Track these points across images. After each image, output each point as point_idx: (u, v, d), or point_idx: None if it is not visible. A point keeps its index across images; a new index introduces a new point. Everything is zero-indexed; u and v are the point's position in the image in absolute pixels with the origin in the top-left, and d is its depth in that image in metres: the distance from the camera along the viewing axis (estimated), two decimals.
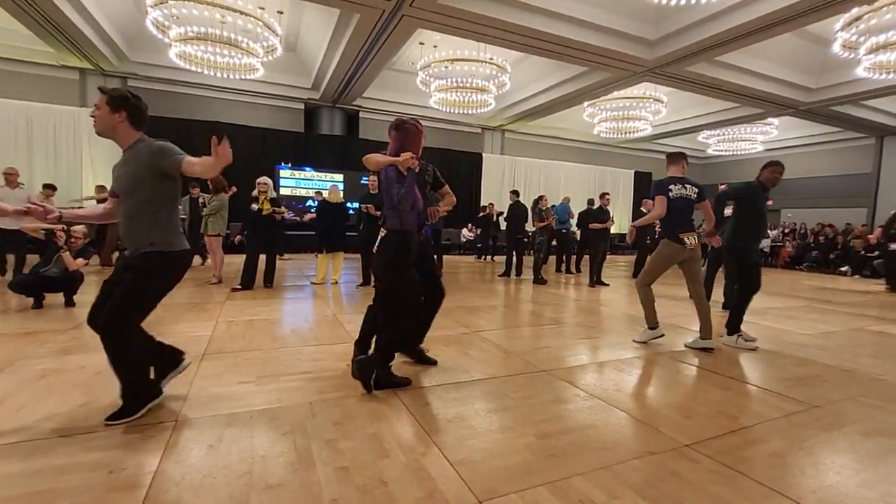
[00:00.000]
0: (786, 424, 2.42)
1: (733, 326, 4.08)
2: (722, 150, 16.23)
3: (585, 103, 12.40)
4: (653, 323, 4.01)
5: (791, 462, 2.02)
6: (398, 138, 2.84)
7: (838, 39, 7.59)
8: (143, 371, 2.29)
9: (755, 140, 15.26)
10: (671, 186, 3.90)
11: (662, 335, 4.04)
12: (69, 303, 4.69)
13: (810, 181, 16.38)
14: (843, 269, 12.09)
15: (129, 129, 2.21)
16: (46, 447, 1.93)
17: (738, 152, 16.09)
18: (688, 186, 3.94)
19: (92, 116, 2.22)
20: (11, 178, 6.32)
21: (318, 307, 5.20)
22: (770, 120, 13.87)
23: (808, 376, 3.27)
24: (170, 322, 4.14)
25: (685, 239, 3.84)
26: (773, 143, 16.27)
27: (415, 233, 2.82)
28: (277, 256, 6.25)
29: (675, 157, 4.06)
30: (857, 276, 11.50)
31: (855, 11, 6.89)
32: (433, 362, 3.19)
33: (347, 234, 7.08)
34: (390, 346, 2.76)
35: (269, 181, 6.34)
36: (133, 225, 2.19)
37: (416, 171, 2.74)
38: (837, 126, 13.99)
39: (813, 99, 11.32)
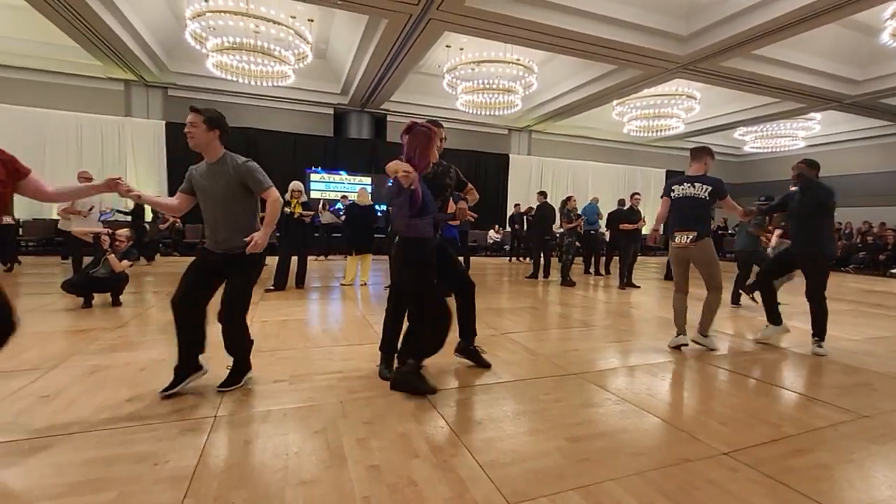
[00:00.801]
0: (833, 435, 2.30)
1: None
2: (759, 148, 15.59)
3: (614, 102, 12.16)
4: (680, 329, 3.91)
5: (839, 475, 1.92)
6: (410, 142, 2.78)
7: (888, 28, 7.17)
8: (248, 351, 2.76)
9: (796, 136, 14.57)
10: (675, 187, 3.92)
11: (685, 344, 3.87)
12: (115, 302, 4.95)
13: (856, 178, 15.52)
14: (894, 270, 11.40)
15: (219, 146, 2.61)
16: (98, 438, 2.04)
17: (777, 149, 15.41)
18: (697, 185, 3.81)
19: (188, 133, 2.53)
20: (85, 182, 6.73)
21: (348, 308, 5.30)
22: (812, 115, 13.22)
23: (856, 384, 3.10)
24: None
25: (676, 237, 3.84)
26: (815, 138, 15.50)
27: (427, 238, 2.74)
28: (321, 257, 6.42)
29: (697, 154, 3.92)
30: None
31: None
32: (486, 365, 3.16)
33: (376, 235, 7.18)
34: (419, 351, 2.74)
35: (301, 186, 6.50)
36: (232, 229, 2.59)
37: (409, 186, 2.59)
38: (886, 119, 13.20)
39: (859, 92, 10.73)
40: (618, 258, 8.34)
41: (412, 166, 2.65)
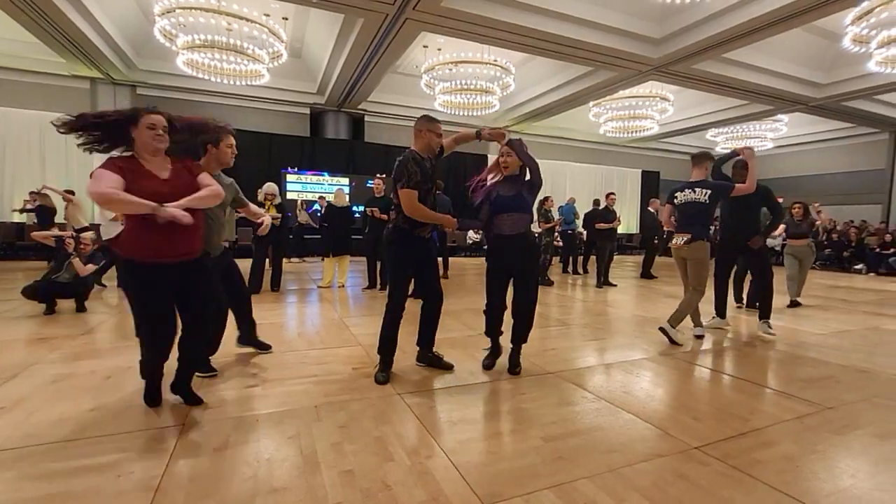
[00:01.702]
0: (798, 427, 2.37)
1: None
2: (731, 148, 16.03)
3: (591, 103, 12.34)
4: (696, 322, 4.23)
5: (804, 465, 1.98)
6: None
7: (849, 34, 7.48)
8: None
9: (765, 137, 15.07)
10: (677, 194, 4.16)
11: (701, 336, 4.19)
12: (80, 308, 4.76)
13: (822, 178, 16.16)
14: (858, 266, 11.89)
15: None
16: (57, 451, 1.95)
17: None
18: (697, 190, 4.02)
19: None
20: None
21: (325, 311, 5.22)
22: (780, 117, 13.69)
23: (821, 377, 3.20)
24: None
25: (674, 239, 4.13)
26: (782, 140, 16.06)
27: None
28: (298, 260, 6.25)
29: (698, 159, 4.15)
30: (872, 274, 11.30)
31: (866, 5, 6.79)
32: (449, 367, 3.16)
33: (353, 237, 7.10)
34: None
35: (275, 186, 6.36)
36: (217, 232, 2.76)
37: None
38: (849, 122, 13.77)
39: (823, 94, 11.16)
40: (595, 257, 8.47)
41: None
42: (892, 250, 11.43)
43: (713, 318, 4.65)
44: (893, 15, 6.73)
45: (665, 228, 4.43)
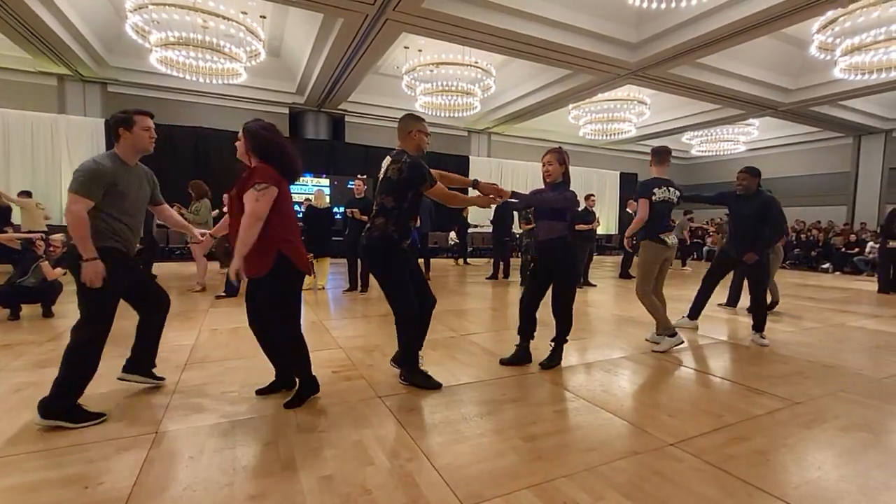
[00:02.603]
0: (769, 422, 2.45)
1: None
2: (705, 151, 16.49)
3: (570, 105, 12.50)
4: (669, 331, 3.84)
5: (774, 459, 2.04)
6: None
7: (815, 42, 7.76)
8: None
9: (737, 140, 15.53)
10: (655, 189, 3.89)
11: (682, 342, 3.90)
12: (47, 314, 4.58)
13: (791, 180, 16.72)
14: (825, 266, 12.35)
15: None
16: (21, 462, 1.87)
17: (721, 153, 16.36)
18: (671, 189, 3.93)
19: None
20: None
21: (304, 313, 5.15)
22: (751, 121, 14.13)
23: (790, 373, 3.31)
24: None
25: (666, 239, 3.88)
26: (754, 143, 16.58)
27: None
28: None
29: (663, 156, 4.02)
30: (838, 273, 11.75)
31: (830, 14, 7.06)
32: (437, 386, 2.90)
33: (333, 238, 7.02)
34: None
35: None
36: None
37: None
38: (816, 126, 14.30)
39: (792, 100, 11.57)
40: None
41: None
42: (856, 250, 11.90)
43: (683, 317, 4.73)
44: (856, 24, 7.01)
45: (637, 227, 4.21)
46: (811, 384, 3.08)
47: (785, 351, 3.93)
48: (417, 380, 2.83)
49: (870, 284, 9.24)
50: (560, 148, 3.26)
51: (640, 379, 3.17)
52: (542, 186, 3.37)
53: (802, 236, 13.54)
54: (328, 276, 7.17)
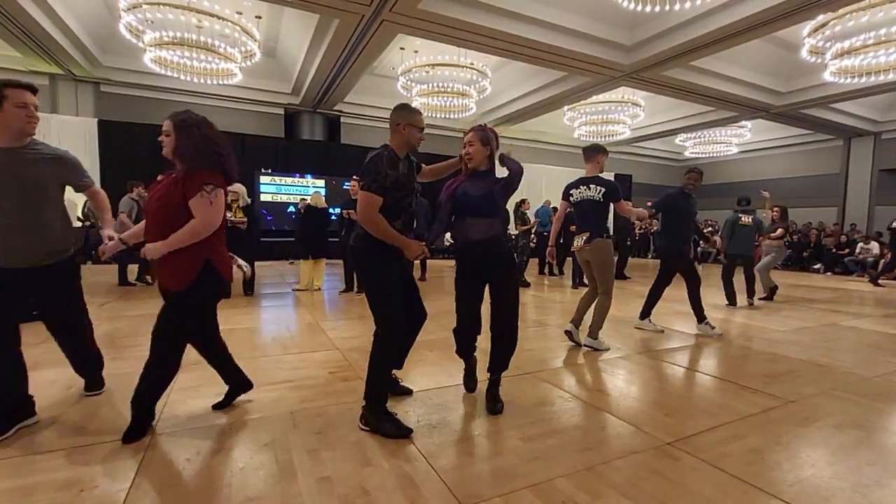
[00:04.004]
0: (763, 420, 2.47)
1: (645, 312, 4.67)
2: (699, 153, 16.62)
3: (565, 107, 12.56)
4: (575, 321, 4.00)
5: (769, 457, 2.06)
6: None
7: (806, 45, 7.86)
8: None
9: (730, 142, 15.66)
10: (572, 190, 3.94)
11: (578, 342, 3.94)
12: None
13: (783, 181, 16.89)
14: (816, 266, 12.48)
15: None
16: (15, 466, 1.85)
17: (714, 154, 16.49)
18: (592, 187, 3.80)
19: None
20: None
21: (300, 314, 5.13)
22: (743, 123, 14.26)
23: (784, 372, 3.35)
24: (146, 333, 4.02)
25: (574, 240, 3.89)
26: (746, 145, 16.73)
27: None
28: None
29: (590, 154, 3.90)
30: (829, 274, 11.88)
31: (821, 18, 7.15)
32: (408, 392, 2.74)
33: (329, 239, 7.01)
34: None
35: (242, 188, 6.07)
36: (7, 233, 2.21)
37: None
38: (807, 128, 14.46)
39: (783, 102, 11.69)
40: (571, 259, 8.60)
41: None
42: (846, 251, 12.04)
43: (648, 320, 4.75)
44: (846, 28, 7.11)
45: (555, 228, 4.25)
46: (804, 382, 3.11)
47: (778, 350, 3.97)
48: (384, 428, 2.18)
49: (860, 285, 9.35)
50: (484, 125, 2.61)
51: (636, 378, 3.19)
52: (459, 177, 2.63)
53: (794, 237, 13.67)
54: (324, 277, 7.16)
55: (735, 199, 6.77)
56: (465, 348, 2.68)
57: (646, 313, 4.69)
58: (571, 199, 3.94)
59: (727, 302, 6.26)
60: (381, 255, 2.28)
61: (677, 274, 4.60)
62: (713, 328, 4.49)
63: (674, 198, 4.60)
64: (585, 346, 3.86)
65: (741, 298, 6.36)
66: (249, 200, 6.23)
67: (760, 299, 6.60)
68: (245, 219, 5.92)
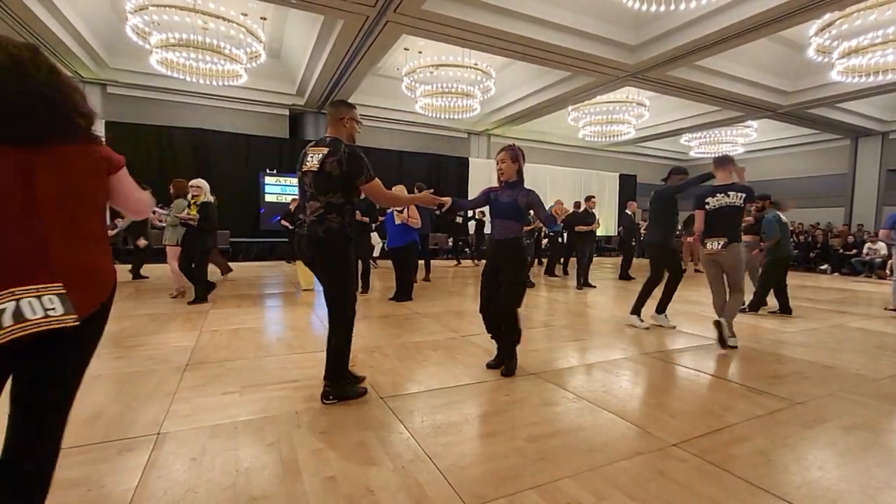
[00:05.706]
0: (770, 422, 2.45)
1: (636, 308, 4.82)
2: (704, 153, 16.52)
3: (570, 107, 12.53)
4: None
5: (776, 459, 2.04)
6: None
7: (812, 44, 7.80)
8: None
9: (736, 142, 15.56)
10: (708, 199, 4.10)
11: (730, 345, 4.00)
12: None
13: (789, 182, 16.78)
14: (823, 267, 12.38)
15: None
16: None
17: (720, 154, 16.39)
18: (731, 194, 4.02)
19: None
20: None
21: (306, 314, 5.15)
22: (749, 122, 14.17)
23: (790, 373, 3.32)
24: (152, 333, 4.06)
25: (707, 244, 4.12)
26: (752, 145, 16.63)
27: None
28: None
29: (722, 163, 4.17)
30: (836, 274, 11.78)
31: (827, 17, 7.09)
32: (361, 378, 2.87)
33: None
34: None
35: (204, 184, 5.76)
36: None
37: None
38: (814, 128, 14.35)
39: (790, 102, 11.61)
40: (575, 259, 8.58)
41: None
42: (854, 251, 11.94)
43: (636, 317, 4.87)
44: (853, 27, 7.05)
45: (697, 236, 4.36)
46: (811, 384, 3.09)
47: (785, 351, 3.94)
48: (350, 391, 2.61)
49: (867, 285, 9.27)
50: (513, 145, 3.13)
51: (641, 380, 3.17)
52: (497, 185, 3.19)
53: (801, 237, 13.58)
54: None
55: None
56: (489, 326, 3.25)
57: (661, 308, 4.84)
58: (708, 206, 4.11)
59: (782, 311, 5.77)
60: (350, 242, 2.58)
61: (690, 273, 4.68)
62: (668, 321, 4.79)
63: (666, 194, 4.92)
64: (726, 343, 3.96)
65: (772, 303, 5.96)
66: (213, 198, 5.86)
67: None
68: (196, 216, 5.54)
